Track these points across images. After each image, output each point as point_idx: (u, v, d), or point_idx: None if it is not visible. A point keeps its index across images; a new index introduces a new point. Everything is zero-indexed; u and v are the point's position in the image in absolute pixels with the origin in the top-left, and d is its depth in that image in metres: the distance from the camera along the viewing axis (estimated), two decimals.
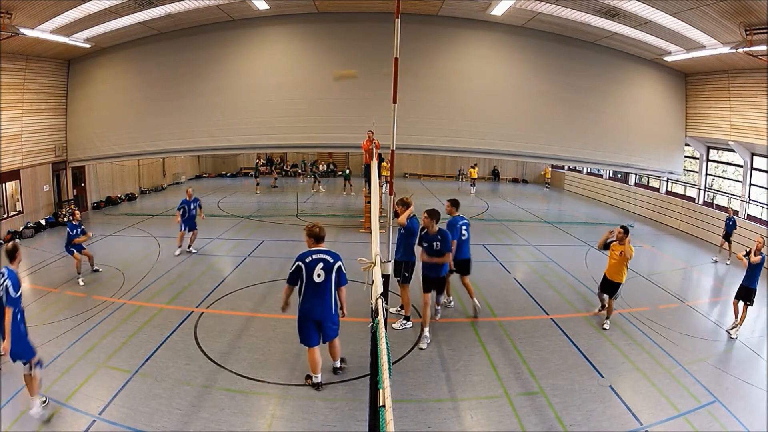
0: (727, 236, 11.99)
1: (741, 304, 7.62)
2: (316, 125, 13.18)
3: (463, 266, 7.68)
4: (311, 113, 13.10)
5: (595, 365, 6.34)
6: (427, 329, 6.81)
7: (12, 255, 5.09)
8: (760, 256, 7.50)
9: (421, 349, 6.60)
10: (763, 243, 7.77)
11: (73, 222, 9.39)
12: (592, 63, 13.62)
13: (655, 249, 13.10)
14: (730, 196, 14.52)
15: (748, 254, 7.60)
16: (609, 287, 7.54)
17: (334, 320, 5.37)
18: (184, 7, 11.71)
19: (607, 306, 7.64)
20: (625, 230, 7.34)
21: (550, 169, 25.68)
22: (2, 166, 11.99)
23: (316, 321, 5.30)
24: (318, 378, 5.57)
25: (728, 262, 11.90)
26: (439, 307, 7.73)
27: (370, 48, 12.64)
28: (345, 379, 5.80)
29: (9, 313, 4.68)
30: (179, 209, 10.95)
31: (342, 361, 5.95)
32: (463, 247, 7.58)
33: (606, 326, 7.50)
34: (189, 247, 11.19)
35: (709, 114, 13.79)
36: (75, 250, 9.33)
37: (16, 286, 4.78)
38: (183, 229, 11.02)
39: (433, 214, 6.73)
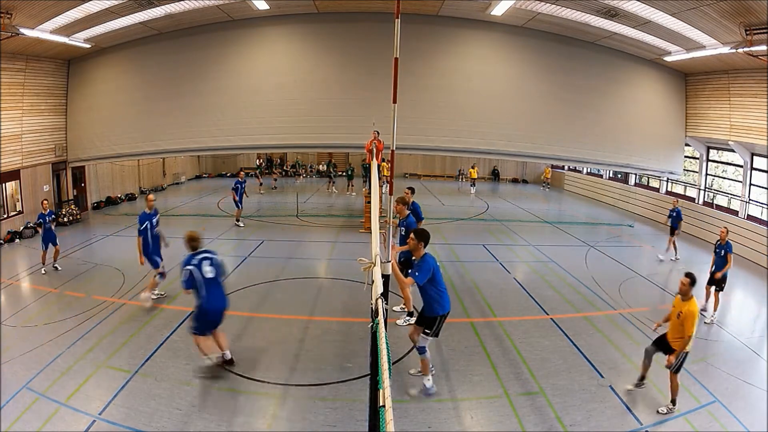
0: (672, 230, 11.67)
1: (713, 289, 8.25)
2: (316, 125, 13.17)
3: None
4: (311, 113, 13.10)
5: (595, 365, 6.34)
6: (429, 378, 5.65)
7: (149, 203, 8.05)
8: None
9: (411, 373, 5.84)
10: (727, 232, 8.38)
11: (43, 211, 9.78)
12: (592, 63, 13.61)
13: (655, 249, 13.09)
14: (730, 196, 14.51)
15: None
16: (667, 349, 5.54)
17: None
18: (184, 7, 11.71)
19: (670, 382, 5.39)
20: (692, 280, 5.32)
21: (550, 169, 25.69)
22: (2, 166, 11.99)
23: (222, 311, 5.69)
24: (228, 354, 5.83)
25: (676, 258, 11.67)
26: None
27: (370, 48, 12.64)
28: (345, 379, 5.80)
29: (139, 240, 7.83)
30: (234, 189, 13.79)
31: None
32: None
33: (662, 410, 5.35)
34: (238, 221, 14.09)
35: (709, 114, 13.78)
36: (49, 243, 9.72)
37: (140, 221, 7.83)
38: (240, 207, 14.02)
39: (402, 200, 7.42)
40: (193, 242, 5.64)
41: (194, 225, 14.14)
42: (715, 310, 8.13)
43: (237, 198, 13.80)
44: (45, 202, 10.32)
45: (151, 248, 7.98)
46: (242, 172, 14.90)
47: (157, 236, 8.14)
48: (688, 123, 14.61)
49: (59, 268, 9.81)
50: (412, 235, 5.39)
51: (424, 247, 5.38)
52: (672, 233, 11.71)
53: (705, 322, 7.88)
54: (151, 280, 8.13)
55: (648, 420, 5.18)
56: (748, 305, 9.52)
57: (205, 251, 5.67)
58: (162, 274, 8.14)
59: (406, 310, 7.42)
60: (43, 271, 9.70)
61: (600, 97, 13.84)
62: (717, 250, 8.35)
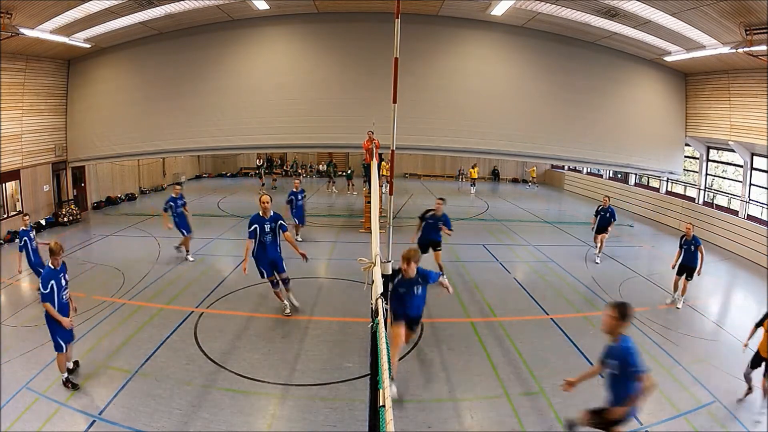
0: (601, 229, 11.02)
1: (682, 279, 8.59)
2: (316, 125, 13.17)
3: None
4: (311, 113, 13.09)
5: None
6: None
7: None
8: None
9: None
10: (692, 227, 8.60)
11: (174, 195, 10.22)
12: (592, 63, 13.61)
13: (655, 249, 13.09)
14: (730, 196, 14.51)
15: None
16: (760, 363, 5.66)
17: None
18: (184, 7, 11.70)
19: (760, 385, 5.62)
20: None
21: (535, 168, 25.74)
22: (2, 166, 11.99)
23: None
24: (65, 375, 5.60)
25: (598, 260, 11.17)
26: None
27: (370, 48, 12.64)
28: (345, 379, 5.81)
29: (248, 243, 7.23)
30: (288, 202, 11.75)
31: (75, 363, 5.85)
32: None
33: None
34: (297, 235, 12.04)
35: (709, 114, 13.77)
36: (184, 230, 10.24)
37: (249, 224, 7.30)
38: (300, 222, 12.21)
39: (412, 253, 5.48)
40: (52, 256, 5.47)
41: (195, 225, 14.12)
42: (682, 295, 8.62)
43: (291, 212, 11.72)
44: (177, 187, 10.56)
45: (257, 255, 7.27)
46: (297, 181, 12.24)
47: (271, 244, 7.34)
48: (688, 123, 14.61)
49: (191, 259, 10.41)
50: (615, 311, 3.99)
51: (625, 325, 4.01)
52: (599, 232, 11.12)
53: (677, 307, 8.52)
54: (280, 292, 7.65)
55: (648, 420, 5.18)
56: (748, 305, 9.51)
57: (62, 269, 5.53)
58: (273, 282, 7.47)
59: None
60: (191, 258, 10.34)
61: (600, 97, 13.83)
62: (685, 246, 8.47)
